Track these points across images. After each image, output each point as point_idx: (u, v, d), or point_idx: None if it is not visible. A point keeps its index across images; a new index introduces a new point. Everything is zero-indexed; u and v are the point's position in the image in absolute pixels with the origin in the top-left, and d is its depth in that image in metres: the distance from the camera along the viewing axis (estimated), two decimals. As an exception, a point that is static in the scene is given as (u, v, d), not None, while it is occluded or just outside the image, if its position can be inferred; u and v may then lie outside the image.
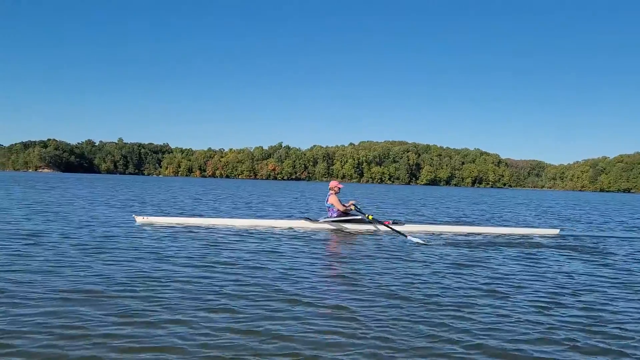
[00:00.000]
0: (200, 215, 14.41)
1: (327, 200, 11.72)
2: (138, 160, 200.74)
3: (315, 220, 11.79)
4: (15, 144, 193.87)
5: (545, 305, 5.27)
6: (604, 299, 5.65)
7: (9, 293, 5.01)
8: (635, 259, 8.86)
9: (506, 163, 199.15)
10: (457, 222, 15.06)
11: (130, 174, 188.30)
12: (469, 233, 11.88)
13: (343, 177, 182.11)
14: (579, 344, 4.13)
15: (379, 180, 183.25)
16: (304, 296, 5.28)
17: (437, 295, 5.57)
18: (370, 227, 11.56)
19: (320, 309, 4.83)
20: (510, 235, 11.77)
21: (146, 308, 4.67)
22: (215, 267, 6.71)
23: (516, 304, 5.32)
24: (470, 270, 7.10)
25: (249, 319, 4.43)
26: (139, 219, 11.87)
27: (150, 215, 13.08)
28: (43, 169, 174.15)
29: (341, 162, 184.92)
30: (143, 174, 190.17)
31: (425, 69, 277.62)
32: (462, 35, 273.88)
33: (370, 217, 11.29)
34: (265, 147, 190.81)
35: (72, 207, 16.02)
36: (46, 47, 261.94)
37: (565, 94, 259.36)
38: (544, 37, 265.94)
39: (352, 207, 11.61)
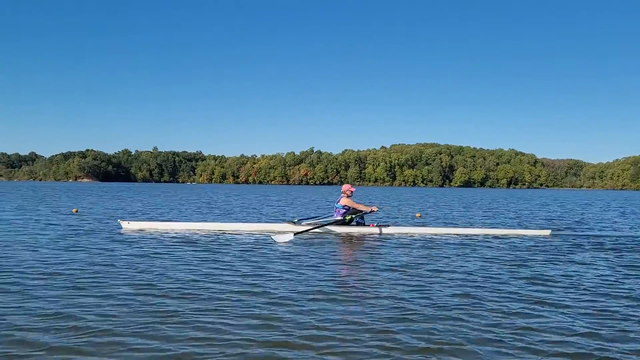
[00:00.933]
0: (184, 221, 14.65)
1: (338, 202, 11.86)
2: (173, 168, 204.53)
3: (298, 223, 11.73)
4: (56, 155, 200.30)
5: (515, 309, 5.14)
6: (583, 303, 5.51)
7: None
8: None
9: (542, 163, 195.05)
10: (447, 225, 14.69)
11: (165, 181, 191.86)
12: (455, 234, 11.72)
13: (375, 180, 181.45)
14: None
15: (411, 184, 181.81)
16: (276, 301, 5.25)
17: (400, 297, 5.54)
18: (358, 229, 11.57)
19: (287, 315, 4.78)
20: (498, 236, 11.61)
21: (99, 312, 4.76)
22: (187, 271, 6.78)
23: (483, 303, 5.28)
24: (439, 271, 7.10)
25: (207, 326, 4.42)
26: (125, 224, 11.98)
27: (135, 220, 13.11)
28: (82, 178, 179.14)
29: (373, 165, 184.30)
30: (177, 182, 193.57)
31: (457, 70, 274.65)
32: (495, 34, 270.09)
33: (348, 217, 11.51)
34: (297, 153, 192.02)
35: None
36: (84, 58, 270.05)
37: (603, 90, 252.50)
38: (580, 34, 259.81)
39: (376, 209, 11.84)
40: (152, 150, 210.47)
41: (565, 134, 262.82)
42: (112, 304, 4.98)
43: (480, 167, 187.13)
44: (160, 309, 4.82)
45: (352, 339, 4.09)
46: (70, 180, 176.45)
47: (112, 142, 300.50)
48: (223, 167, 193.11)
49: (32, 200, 25.37)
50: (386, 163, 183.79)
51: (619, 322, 4.69)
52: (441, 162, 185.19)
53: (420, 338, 4.14)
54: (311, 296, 5.43)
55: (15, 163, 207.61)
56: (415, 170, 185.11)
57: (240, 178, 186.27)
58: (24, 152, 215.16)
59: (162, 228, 11.81)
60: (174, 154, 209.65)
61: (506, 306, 5.14)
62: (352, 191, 11.79)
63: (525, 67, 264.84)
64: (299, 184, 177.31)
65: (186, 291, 5.53)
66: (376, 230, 11.45)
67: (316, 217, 12.73)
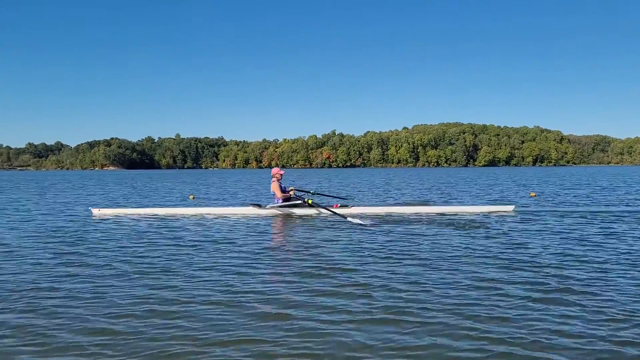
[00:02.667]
0: (153, 206, 15.03)
1: (271, 188, 11.83)
2: (195, 155, 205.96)
3: (263, 207, 11.77)
4: (82, 144, 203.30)
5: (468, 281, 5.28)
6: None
7: None
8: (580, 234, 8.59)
9: (569, 140, 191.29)
10: (409, 203, 14.61)
11: (188, 168, 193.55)
12: (416, 213, 11.74)
13: (398, 162, 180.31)
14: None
15: (435, 164, 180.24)
16: (239, 285, 5.26)
17: (363, 275, 5.62)
18: (315, 211, 11.56)
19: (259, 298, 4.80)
20: (460, 213, 11.69)
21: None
22: (155, 253, 6.95)
23: (443, 279, 5.41)
24: (404, 248, 7.25)
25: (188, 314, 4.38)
26: (96, 212, 12.39)
27: (105, 207, 13.40)
28: (108, 166, 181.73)
29: (396, 146, 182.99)
30: (201, 168, 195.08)
31: (479, 47, 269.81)
32: (518, 10, 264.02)
33: (309, 201, 11.39)
34: (319, 136, 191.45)
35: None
36: (106, 48, 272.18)
37: (629, 63, 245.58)
38: (606, 8, 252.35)
39: (292, 193, 11.85)
40: (174, 137, 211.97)
41: (592, 109, 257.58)
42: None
43: (505, 145, 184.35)
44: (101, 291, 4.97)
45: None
46: (97, 169, 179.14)
47: (135, 129, 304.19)
48: (246, 152, 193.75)
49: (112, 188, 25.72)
50: (409, 144, 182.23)
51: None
52: (465, 142, 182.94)
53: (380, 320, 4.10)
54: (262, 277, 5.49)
55: (42, 153, 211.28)
56: (438, 150, 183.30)
57: (263, 162, 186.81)
58: (51, 141, 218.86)
59: (130, 214, 12.18)
60: (196, 140, 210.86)
61: (463, 286, 5.11)
62: (281, 174, 11.87)
63: (550, 42, 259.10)
64: (322, 167, 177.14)
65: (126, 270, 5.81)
66: (336, 210, 11.32)
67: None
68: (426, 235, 8.45)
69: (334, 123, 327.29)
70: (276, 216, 11.37)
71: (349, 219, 10.17)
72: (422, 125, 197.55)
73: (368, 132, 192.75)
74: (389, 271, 5.78)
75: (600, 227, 9.31)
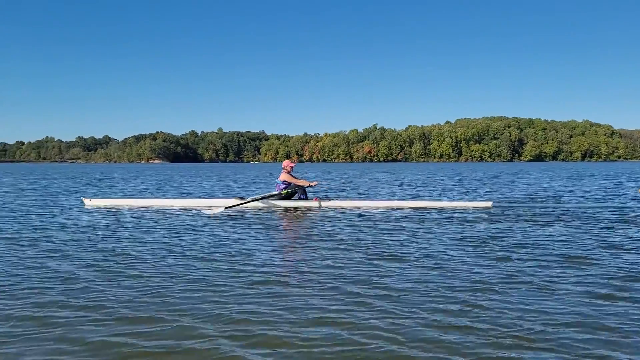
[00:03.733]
0: (140, 197, 15.29)
1: (279, 178, 12.09)
2: (237, 148, 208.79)
3: (244, 198, 11.94)
4: (128, 137, 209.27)
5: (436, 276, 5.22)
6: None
7: None
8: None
9: (620, 134, 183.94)
10: (392, 198, 14.64)
11: (230, 161, 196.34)
12: (396, 207, 11.78)
13: (440, 156, 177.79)
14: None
15: (478, 159, 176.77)
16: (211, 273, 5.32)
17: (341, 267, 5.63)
18: (297, 203, 11.81)
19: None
20: (440, 208, 11.65)
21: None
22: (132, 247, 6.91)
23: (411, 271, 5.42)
24: (380, 242, 7.20)
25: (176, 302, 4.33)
26: (87, 202, 12.64)
27: (96, 197, 13.65)
28: (154, 160, 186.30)
29: (438, 141, 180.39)
30: (242, 161, 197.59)
31: (523, 40, 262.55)
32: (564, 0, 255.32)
33: (284, 192, 11.80)
34: (360, 130, 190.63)
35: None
36: (150, 44, 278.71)
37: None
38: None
39: (315, 183, 12.23)
40: (217, 131, 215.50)
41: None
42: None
43: (552, 139, 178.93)
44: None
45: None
46: (143, 162, 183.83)
47: (180, 123, 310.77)
48: (287, 146, 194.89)
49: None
50: (452, 138, 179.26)
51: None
52: (510, 136, 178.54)
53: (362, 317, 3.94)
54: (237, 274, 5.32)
55: (91, 146, 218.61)
56: (482, 145, 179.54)
57: (304, 156, 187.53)
58: (99, 135, 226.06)
59: (123, 205, 12.42)
60: (238, 134, 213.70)
61: (448, 283, 4.95)
62: (291, 166, 12.07)
63: (599, 34, 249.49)
64: (363, 161, 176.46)
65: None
66: (316, 204, 11.65)
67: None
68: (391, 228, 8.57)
69: (375, 117, 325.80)
70: (259, 209, 11.63)
71: (315, 205, 11.35)
72: (465, 119, 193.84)
73: (410, 126, 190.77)
74: (342, 262, 5.85)
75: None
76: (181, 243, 7.18)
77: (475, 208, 11.77)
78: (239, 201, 11.62)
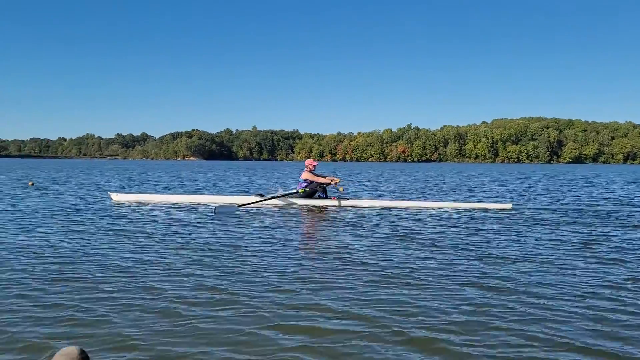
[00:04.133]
0: (164, 193, 15.57)
1: (301, 176, 12.30)
2: (271, 147, 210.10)
3: (263, 195, 12.24)
4: (165, 135, 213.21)
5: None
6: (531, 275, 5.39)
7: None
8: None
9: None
10: (411, 198, 14.86)
11: (264, 159, 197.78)
12: (414, 207, 11.92)
13: (476, 157, 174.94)
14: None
15: (515, 160, 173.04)
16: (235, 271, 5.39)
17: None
18: (318, 201, 12.00)
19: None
20: (457, 209, 11.63)
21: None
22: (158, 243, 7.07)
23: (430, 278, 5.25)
24: (405, 243, 7.23)
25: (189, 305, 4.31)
26: (114, 196, 12.99)
27: (124, 192, 14.04)
28: (189, 157, 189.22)
29: (474, 141, 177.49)
30: (276, 160, 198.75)
31: (562, 37, 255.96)
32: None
33: (301, 190, 11.98)
34: (394, 129, 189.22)
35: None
36: (185, 43, 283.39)
37: None
38: None
39: (337, 180, 12.36)
40: (251, 129, 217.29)
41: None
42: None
43: (593, 141, 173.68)
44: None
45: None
46: (179, 159, 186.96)
47: (215, 122, 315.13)
48: (320, 145, 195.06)
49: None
50: (488, 139, 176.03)
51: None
52: (548, 137, 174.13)
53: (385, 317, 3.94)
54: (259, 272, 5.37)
55: (129, 143, 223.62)
56: (519, 146, 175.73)
57: (338, 156, 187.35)
58: (137, 132, 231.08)
59: (147, 200, 12.83)
60: (272, 132, 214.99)
61: (463, 282, 5.00)
62: (314, 165, 12.36)
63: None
64: (396, 161, 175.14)
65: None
66: (335, 202, 11.86)
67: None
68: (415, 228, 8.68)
69: (409, 116, 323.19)
70: (280, 207, 11.86)
71: (330, 204, 11.63)
72: (502, 119, 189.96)
73: (445, 126, 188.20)
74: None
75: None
76: (188, 239, 7.39)
77: (494, 209, 11.73)
78: (257, 198, 11.93)
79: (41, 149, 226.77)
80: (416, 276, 5.20)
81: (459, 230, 8.43)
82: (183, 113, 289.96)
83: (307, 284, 4.84)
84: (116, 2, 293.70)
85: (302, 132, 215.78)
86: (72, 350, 2.38)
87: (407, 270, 5.47)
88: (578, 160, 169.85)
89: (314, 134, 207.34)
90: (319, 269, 5.53)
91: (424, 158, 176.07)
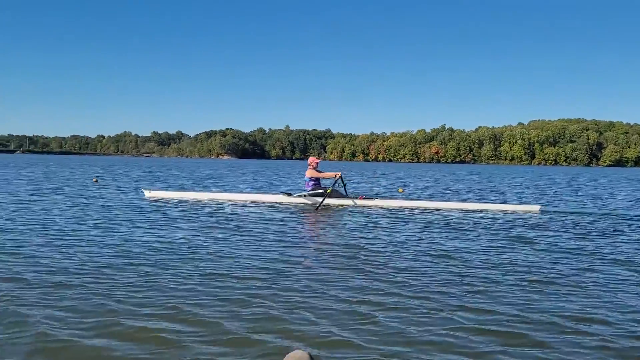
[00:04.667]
0: (194, 190, 15.90)
1: (306, 175, 12.57)
2: (303, 146, 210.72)
3: (290, 195, 12.64)
4: (200, 133, 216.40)
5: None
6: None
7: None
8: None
9: None
10: (433, 199, 14.84)
11: (296, 159, 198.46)
12: (438, 208, 11.92)
13: (512, 159, 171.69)
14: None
15: (552, 162, 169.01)
16: (265, 269, 5.51)
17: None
18: (338, 200, 12.15)
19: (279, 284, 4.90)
20: (482, 211, 11.61)
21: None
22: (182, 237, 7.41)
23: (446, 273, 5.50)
24: (420, 244, 7.29)
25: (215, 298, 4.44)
26: (147, 193, 13.44)
27: (157, 189, 14.60)
28: (223, 155, 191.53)
29: (510, 143, 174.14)
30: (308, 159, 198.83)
31: (604, 37, 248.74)
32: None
33: (329, 190, 12.11)
34: (428, 130, 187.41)
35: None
36: (221, 42, 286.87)
37: None
38: None
39: (339, 175, 12.39)
40: (284, 129, 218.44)
41: None
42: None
43: (635, 144, 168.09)
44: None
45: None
46: (213, 157, 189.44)
47: (248, 121, 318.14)
48: (353, 145, 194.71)
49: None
50: (524, 140, 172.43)
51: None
52: (588, 139, 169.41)
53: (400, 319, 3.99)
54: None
55: (165, 141, 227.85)
56: (557, 148, 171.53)
57: (370, 156, 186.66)
58: (172, 130, 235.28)
59: (178, 197, 13.25)
60: (305, 132, 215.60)
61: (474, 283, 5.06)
62: (317, 162, 12.68)
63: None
64: (430, 161, 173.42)
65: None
66: (350, 202, 12.11)
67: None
68: (446, 229, 8.76)
69: (443, 117, 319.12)
70: (303, 205, 12.11)
71: (356, 203, 11.58)
72: (539, 120, 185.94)
73: (480, 127, 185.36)
74: (399, 263, 5.98)
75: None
76: (230, 234, 7.68)
77: (523, 212, 11.65)
78: (291, 199, 12.37)
79: (81, 146, 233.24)
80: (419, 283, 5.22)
81: (481, 234, 8.40)
82: (217, 112, 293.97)
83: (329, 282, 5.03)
84: (151, 1, 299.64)
85: (334, 131, 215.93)
86: (302, 354, 2.45)
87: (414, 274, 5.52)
88: (619, 163, 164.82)
89: (347, 134, 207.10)
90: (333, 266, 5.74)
91: (457, 159, 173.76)
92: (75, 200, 12.51)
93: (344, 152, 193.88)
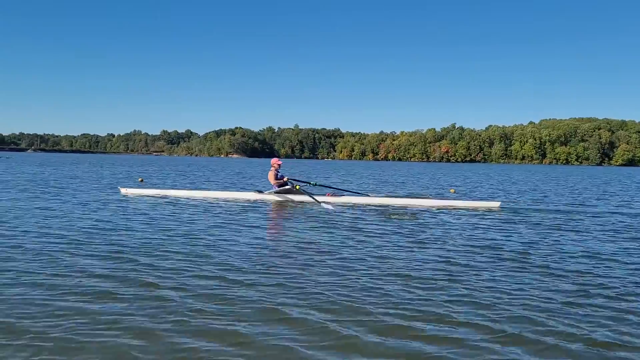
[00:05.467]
0: (171, 188, 16.06)
1: (268, 175, 13.04)
2: (313, 145, 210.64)
3: (262, 192, 12.94)
4: (209, 132, 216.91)
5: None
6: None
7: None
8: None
9: None
10: (394, 195, 14.94)
11: (305, 157, 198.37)
12: (400, 205, 12.17)
13: (522, 158, 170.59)
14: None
15: (563, 162, 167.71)
16: (231, 264, 5.58)
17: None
18: (305, 197, 12.30)
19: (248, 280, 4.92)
20: (446, 207, 11.76)
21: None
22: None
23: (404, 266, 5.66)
24: (371, 239, 7.43)
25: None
26: (123, 191, 13.55)
27: (132, 187, 14.59)
28: (232, 154, 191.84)
29: (520, 142, 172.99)
30: (317, 158, 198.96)
31: (615, 34, 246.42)
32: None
33: (297, 187, 12.45)
34: (438, 129, 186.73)
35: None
36: (228, 43, 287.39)
37: None
38: None
39: (286, 179, 12.91)
40: (293, 128, 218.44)
41: None
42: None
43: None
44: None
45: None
46: (222, 156, 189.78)
47: (257, 119, 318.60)
48: (362, 144, 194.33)
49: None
50: (535, 139, 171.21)
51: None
52: (599, 138, 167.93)
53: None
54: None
55: (174, 140, 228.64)
56: (568, 147, 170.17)
57: (380, 155, 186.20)
58: (182, 129, 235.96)
59: (152, 194, 13.42)
60: (314, 130, 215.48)
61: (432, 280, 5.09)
62: (279, 164, 13.04)
63: None
64: (439, 161, 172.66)
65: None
66: (326, 198, 12.33)
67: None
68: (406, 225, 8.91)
69: (453, 116, 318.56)
70: (273, 201, 12.44)
71: (322, 204, 11.36)
72: (550, 119, 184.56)
73: (490, 125, 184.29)
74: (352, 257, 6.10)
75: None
76: (198, 231, 7.70)
77: (481, 208, 11.72)
78: (263, 195, 12.73)
79: (91, 145, 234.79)
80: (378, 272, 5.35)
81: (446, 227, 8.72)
82: (227, 111, 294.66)
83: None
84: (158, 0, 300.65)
85: (343, 130, 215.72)
86: None
87: (366, 266, 5.63)
88: (631, 162, 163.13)
89: (356, 133, 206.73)
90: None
91: (467, 158, 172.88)
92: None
93: (353, 151, 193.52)
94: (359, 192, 14.46)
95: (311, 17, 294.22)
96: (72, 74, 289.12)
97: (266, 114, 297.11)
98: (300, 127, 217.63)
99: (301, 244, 6.92)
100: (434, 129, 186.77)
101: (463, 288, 4.81)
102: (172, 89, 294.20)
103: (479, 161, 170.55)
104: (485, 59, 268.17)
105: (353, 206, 11.87)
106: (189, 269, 5.27)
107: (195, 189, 16.42)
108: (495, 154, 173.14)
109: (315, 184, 13.58)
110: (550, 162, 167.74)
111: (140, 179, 21.40)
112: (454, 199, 13.69)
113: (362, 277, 5.12)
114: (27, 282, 4.65)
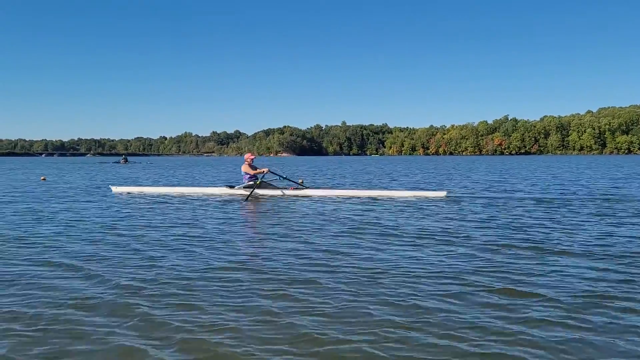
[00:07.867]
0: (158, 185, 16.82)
1: (241, 169, 13.66)
2: (361, 141, 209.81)
3: (233, 187, 13.65)
4: (258, 132, 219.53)
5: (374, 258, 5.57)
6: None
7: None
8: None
9: None
10: (355, 187, 15.76)
11: (354, 154, 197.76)
12: (355, 196, 12.67)
13: (581, 149, 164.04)
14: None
15: (625, 151, 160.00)
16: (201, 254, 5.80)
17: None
18: (269, 191, 13.20)
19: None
20: (396, 198, 12.18)
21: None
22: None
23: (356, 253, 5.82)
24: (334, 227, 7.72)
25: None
26: (114, 189, 14.29)
27: (124, 185, 15.38)
28: (282, 153, 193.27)
29: (578, 132, 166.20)
30: (365, 154, 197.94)
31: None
32: None
33: (258, 182, 13.16)
34: (490, 121, 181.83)
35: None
36: (281, 42, 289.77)
37: None
38: None
39: (266, 170, 13.57)
40: (340, 125, 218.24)
41: None
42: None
43: None
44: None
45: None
46: (272, 155, 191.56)
47: (305, 117, 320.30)
48: (412, 139, 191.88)
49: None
50: (594, 129, 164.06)
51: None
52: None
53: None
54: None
55: (224, 140, 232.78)
56: (630, 136, 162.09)
57: (430, 149, 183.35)
58: (231, 130, 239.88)
59: (140, 191, 14.17)
60: (362, 127, 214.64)
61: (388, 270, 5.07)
62: (252, 158, 13.66)
63: None
64: (493, 154, 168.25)
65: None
66: (279, 192, 13.16)
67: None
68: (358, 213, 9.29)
69: (506, 107, 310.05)
70: (239, 195, 12.95)
71: (285, 194, 12.92)
72: (609, 108, 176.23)
73: (545, 116, 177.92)
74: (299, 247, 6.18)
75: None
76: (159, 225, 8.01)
77: (429, 198, 12.07)
78: (230, 190, 13.45)
79: (144, 147, 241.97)
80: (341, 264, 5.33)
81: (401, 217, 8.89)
82: (274, 110, 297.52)
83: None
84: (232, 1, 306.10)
85: (391, 126, 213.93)
86: None
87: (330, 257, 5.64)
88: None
89: (405, 128, 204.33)
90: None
91: (522, 150, 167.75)
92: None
93: (403, 146, 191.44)
94: (324, 187, 15.48)
95: (358, 14, 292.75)
96: (127, 78, 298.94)
97: (313, 111, 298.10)
98: (347, 124, 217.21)
99: (256, 235, 7.32)
100: (486, 121, 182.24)
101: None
102: (221, 90, 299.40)
103: (534, 153, 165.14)
104: (535, 46, 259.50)
105: (318, 199, 12.44)
106: (148, 264, 5.36)
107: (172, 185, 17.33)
108: (552, 145, 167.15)
109: (285, 178, 14.75)
110: (611, 152, 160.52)
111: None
112: (402, 190, 14.14)
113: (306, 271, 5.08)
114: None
